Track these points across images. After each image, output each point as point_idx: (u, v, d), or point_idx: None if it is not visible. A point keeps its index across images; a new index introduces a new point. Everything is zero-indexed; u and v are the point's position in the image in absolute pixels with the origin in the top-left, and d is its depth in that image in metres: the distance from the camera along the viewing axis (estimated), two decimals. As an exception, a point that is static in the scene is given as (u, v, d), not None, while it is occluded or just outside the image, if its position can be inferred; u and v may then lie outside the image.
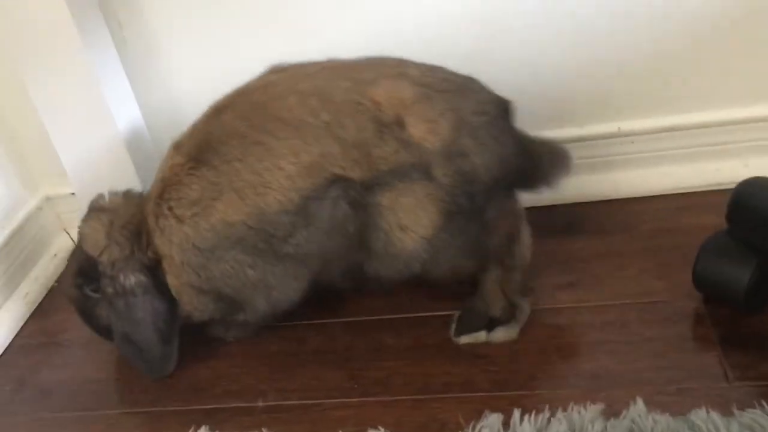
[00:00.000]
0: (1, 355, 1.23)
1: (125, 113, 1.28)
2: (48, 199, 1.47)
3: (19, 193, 1.42)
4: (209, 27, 1.28)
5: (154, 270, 1.05)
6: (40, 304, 1.34)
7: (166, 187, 1.03)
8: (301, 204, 0.98)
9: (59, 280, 1.39)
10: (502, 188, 1.01)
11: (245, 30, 1.27)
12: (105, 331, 1.11)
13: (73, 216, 1.44)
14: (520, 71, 1.24)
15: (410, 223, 0.98)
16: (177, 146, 1.06)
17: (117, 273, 1.04)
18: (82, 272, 1.09)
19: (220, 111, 1.04)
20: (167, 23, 1.28)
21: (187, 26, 1.28)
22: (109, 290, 1.04)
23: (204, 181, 1.00)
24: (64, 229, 1.49)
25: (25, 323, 1.29)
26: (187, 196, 1.01)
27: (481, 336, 1.05)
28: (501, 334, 1.05)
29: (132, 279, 1.04)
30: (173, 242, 1.02)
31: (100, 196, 1.11)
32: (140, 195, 1.12)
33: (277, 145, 0.98)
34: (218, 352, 1.14)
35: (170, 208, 1.02)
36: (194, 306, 1.06)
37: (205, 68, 1.31)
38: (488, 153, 0.98)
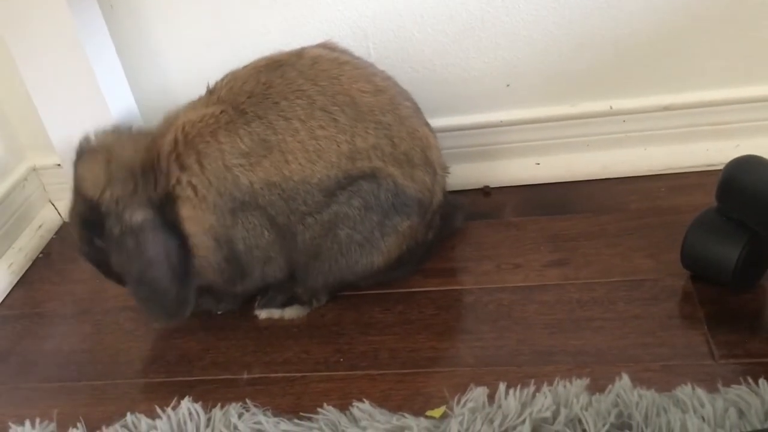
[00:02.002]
0: (-15, 325, 1.22)
1: (113, 85, 1.26)
2: (34, 169, 1.45)
3: (4, 163, 1.40)
4: (200, 4, 1.26)
5: (163, 208, 1.00)
6: (25, 275, 1.33)
7: (200, 132, 1.00)
8: (332, 188, 1.00)
9: (44, 251, 1.38)
10: None
11: (236, 9, 1.26)
12: (119, 279, 1.06)
13: (59, 188, 1.43)
14: (513, 48, 1.23)
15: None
16: (212, 92, 1.06)
17: (122, 210, 0.98)
18: (87, 224, 1.02)
19: (277, 66, 1.04)
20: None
21: (178, 4, 1.27)
22: (116, 230, 0.98)
23: (255, 137, 0.99)
24: (50, 201, 1.48)
25: (9, 294, 1.28)
26: (238, 147, 0.99)
27: (276, 313, 1.12)
28: (294, 311, 1.11)
29: (139, 215, 0.98)
30: (212, 184, 0.99)
31: (87, 138, 1.04)
32: (130, 129, 1.07)
33: (343, 122, 1.00)
34: (207, 324, 1.13)
35: (222, 151, 0.99)
36: (208, 260, 1.03)
37: (194, 45, 1.30)
38: None
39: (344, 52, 1.11)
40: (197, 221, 1.00)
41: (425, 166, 1.07)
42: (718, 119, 1.24)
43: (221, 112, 1.01)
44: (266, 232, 1.03)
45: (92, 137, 1.04)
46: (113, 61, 1.27)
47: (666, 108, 1.24)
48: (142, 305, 1.03)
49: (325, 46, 1.11)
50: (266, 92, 1.01)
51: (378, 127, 1.02)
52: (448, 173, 1.15)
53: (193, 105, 1.07)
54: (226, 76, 1.07)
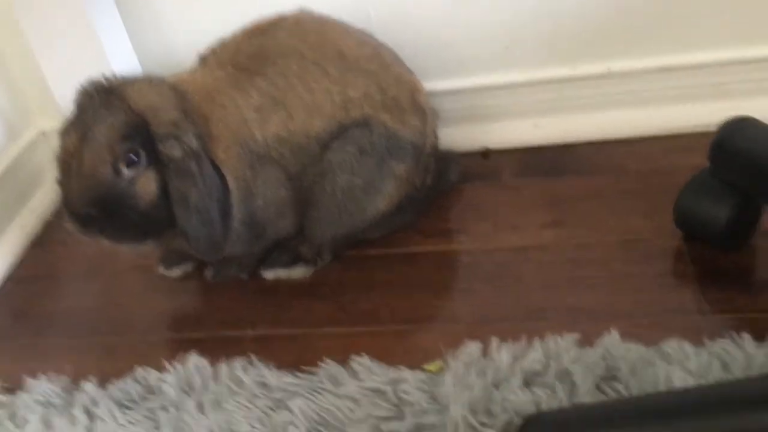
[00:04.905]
0: (0, 286, 1.25)
1: (116, 46, 1.28)
2: (43, 134, 1.47)
3: (14, 127, 1.42)
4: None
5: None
6: (38, 236, 1.36)
7: (216, 88, 1.03)
8: (327, 139, 1.05)
9: (55, 213, 1.41)
10: None
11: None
12: (137, 223, 0.96)
13: (69, 151, 1.45)
14: (510, 9, 1.24)
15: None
16: (206, 60, 1.09)
17: (182, 133, 0.94)
18: (128, 136, 0.93)
19: (265, 30, 1.08)
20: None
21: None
22: (176, 153, 0.94)
23: (262, 91, 1.04)
24: (60, 165, 1.50)
25: (23, 255, 1.31)
26: (249, 102, 1.03)
27: (283, 273, 1.14)
28: (300, 271, 1.14)
29: (195, 142, 0.95)
30: (234, 135, 1.01)
31: (102, 78, 0.98)
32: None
33: (333, 73, 1.05)
34: (214, 284, 1.16)
35: (237, 107, 1.02)
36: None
37: (197, 5, 1.31)
38: None
39: (321, 15, 1.14)
40: (230, 166, 1.01)
41: (414, 110, 1.11)
42: (717, 80, 1.24)
43: (224, 73, 1.05)
44: (283, 189, 1.06)
45: (112, 77, 0.99)
46: (116, 22, 1.29)
47: (664, 69, 1.24)
48: (192, 234, 0.97)
49: (302, 11, 1.13)
50: (261, 53, 1.06)
51: (367, 75, 1.07)
52: (438, 116, 1.19)
53: (192, 71, 1.09)
54: (216, 44, 1.10)
